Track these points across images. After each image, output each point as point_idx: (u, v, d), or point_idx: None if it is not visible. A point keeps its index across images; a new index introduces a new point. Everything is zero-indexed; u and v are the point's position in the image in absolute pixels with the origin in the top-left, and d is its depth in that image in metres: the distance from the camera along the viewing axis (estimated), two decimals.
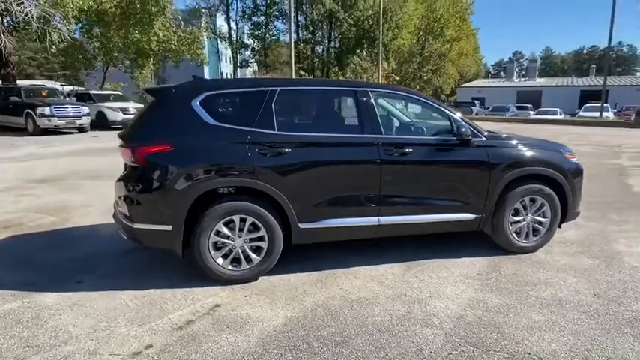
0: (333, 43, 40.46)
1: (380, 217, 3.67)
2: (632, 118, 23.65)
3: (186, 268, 3.68)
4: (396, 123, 4.31)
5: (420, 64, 51.23)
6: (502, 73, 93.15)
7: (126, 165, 3.53)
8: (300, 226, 3.50)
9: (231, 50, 41.78)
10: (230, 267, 3.45)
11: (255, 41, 40.32)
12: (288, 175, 3.41)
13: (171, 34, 21.12)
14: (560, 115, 27.66)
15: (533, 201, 4.03)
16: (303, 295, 3.28)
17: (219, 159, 3.34)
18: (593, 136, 16.70)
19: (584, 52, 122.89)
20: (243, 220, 3.40)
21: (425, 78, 52.66)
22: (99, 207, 5.71)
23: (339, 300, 3.20)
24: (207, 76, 43.26)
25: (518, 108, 32.11)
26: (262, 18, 39.22)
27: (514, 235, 4.04)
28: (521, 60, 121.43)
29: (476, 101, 38.88)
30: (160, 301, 3.19)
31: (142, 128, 3.41)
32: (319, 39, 40.35)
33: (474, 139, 3.79)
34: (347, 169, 3.58)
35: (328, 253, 3.98)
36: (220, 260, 3.41)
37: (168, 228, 3.29)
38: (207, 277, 3.44)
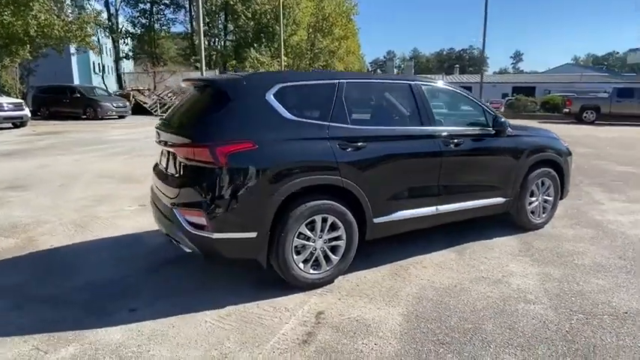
0: (230, 36, 39.18)
1: (438, 207, 3.79)
2: (502, 109, 27.55)
3: (243, 276, 3.37)
4: (441, 115, 4.46)
5: (312, 60, 52.65)
6: (379, 70, 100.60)
7: (184, 166, 3.04)
8: (375, 221, 3.44)
9: (112, 40, 37.69)
10: (311, 271, 3.24)
11: (141, 30, 36.99)
12: (365, 169, 3.32)
13: (54, 17, 18.12)
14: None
15: (542, 183, 4.54)
16: (393, 291, 3.24)
17: (305, 156, 3.10)
18: None
19: (444, 53, 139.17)
20: (324, 220, 3.22)
21: None
22: (58, 222, 4.88)
23: (431, 290, 3.24)
24: (75, 69, 38.37)
25: None
26: (149, 5, 36.13)
27: (530, 214, 4.51)
28: (394, 59, 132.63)
29: None
30: (253, 317, 2.86)
31: (213, 125, 2.98)
32: (216, 31, 38.71)
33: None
34: (414, 161, 3.62)
35: (378, 248, 3.96)
36: (302, 265, 3.19)
37: (253, 235, 2.96)
38: (278, 284, 3.21)
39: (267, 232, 2.99)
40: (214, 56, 38.67)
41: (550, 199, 4.63)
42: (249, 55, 36.33)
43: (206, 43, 39.03)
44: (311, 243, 3.20)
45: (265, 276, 3.35)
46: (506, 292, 3.20)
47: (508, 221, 4.61)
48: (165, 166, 3.38)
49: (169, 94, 26.42)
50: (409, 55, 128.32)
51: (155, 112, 24.80)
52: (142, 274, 3.54)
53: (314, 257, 3.23)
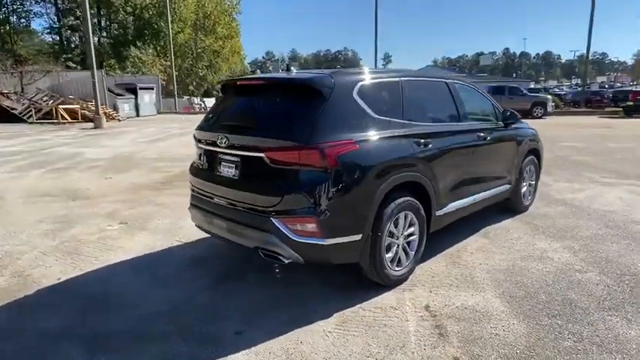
0: (107, 32, 35.39)
1: (475, 196, 4.11)
2: None
3: (319, 283, 3.29)
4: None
5: (195, 60, 50.43)
6: (258, 71, 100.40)
7: (281, 171, 2.81)
8: (436, 214, 3.60)
9: None
10: (396, 268, 3.28)
11: None
12: (433, 165, 3.46)
13: None
14: None
15: (529, 169, 5.20)
16: (468, 278, 3.43)
17: (395, 154, 3.12)
18: None
19: (322, 54, 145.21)
20: (405, 217, 3.28)
21: (201, 74, 52.22)
22: (36, 251, 4.13)
23: (498, 273, 3.51)
24: None
25: None
26: None
27: (522, 197, 5.13)
28: (273, 59, 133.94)
29: None
30: (370, 320, 2.81)
31: (317, 126, 2.80)
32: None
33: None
34: (463, 154, 3.86)
35: None
36: (390, 263, 3.21)
37: (359, 237, 2.90)
38: (360, 286, 3.22)
39: (369, 234, 2.95)
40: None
41: (533, 183, 5.33)
42: (130, 53, 33.45)
43: (77, 39, 34.88)
44: (395, 240, 3.24)
45: (336, 279, 3.34)
46: (556, 265, 3.64)
47: (498, 206, 5.15)
48: (233, 172, 3.09)
49: (45, 98, 22.93)
50: (288, 56, 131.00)
51: (29, 118, 21.31)
52: (207, 294, 3.18)
53: (397, 254, 3.27)
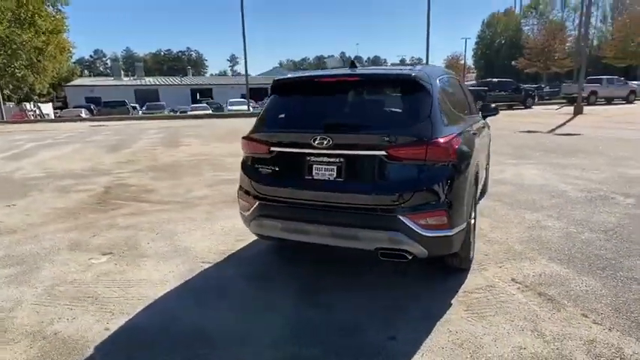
0: None
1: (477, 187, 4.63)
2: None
3: (403, 274, 3.41)
4: None
5: (11, 58, 42.18)
6: (86, 71, 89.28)
7: (404, 167, 2.82)
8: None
9: None
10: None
11: None
12: (478, 153, 3.83)
13: None
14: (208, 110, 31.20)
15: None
16: (513, 251, 3.90)
17: (471, 144, 3.40)
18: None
19: (162, 54, 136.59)
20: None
21: (19, 75, 43.99)
22: (28, 302, 3.29)
23: (534, 243, 4.07)
24: None
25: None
26: None
27: (485, 179, 5.93)
28: (104, 58, 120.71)
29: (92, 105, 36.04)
30: (494, 302, 3.02)
31: (435, 121, 2.86)
32: None
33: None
34: (481, 146, 4.32)
35: None
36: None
37: (464, 225, 3.06)
38: (436, 271, 3.43)
39: (468, 220, 3.14)
40: None
41: (489, 167, 6.19)
42: None
43: None
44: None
45: (412, 275, 3.47)
46: (558, 231, 4.37)
47: None
48: (335, 175, 2.94)
49: None
50: (122, 55, 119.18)
51: None
52: (315, 310, 2.95)
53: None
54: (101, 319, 2.90)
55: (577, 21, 64.16)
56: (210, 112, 29.87)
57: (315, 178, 2.99)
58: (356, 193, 2.89)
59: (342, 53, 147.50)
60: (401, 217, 2.78)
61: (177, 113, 30.48)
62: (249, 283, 3.42)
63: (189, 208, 5.59)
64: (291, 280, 3.42)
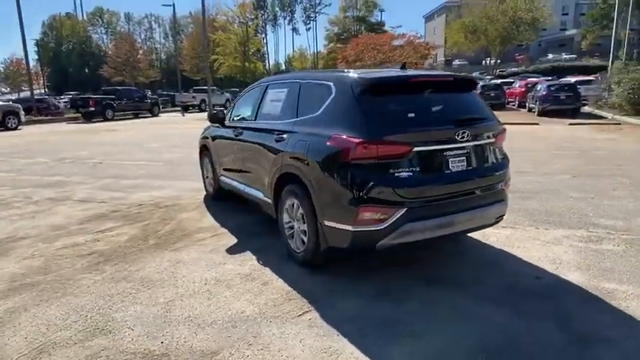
0: None
1: None
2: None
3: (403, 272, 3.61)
4: None
5: None
6: None
7: (495, 150, 3.49)
8: None
9: None
10: None
11: None
12: None
13: None
14: None
15: None
16: (540, 233, 4.46)
17: None
18: None
19: None
20: None
21: None
22: None
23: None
24: None
25: None
26: None
27: None
28: None
29: None
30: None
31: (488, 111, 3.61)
32: None
33: None
34: None
35: None
36: None
37: None
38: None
39: None
40: None
41: None
42: None
43: None
44: None
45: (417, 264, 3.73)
46: (571, 203, 5.31)
47: None
48: (464, 164, 3.24)
49: None
50: None
51: None
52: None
53: None
54: None
55: (143, 35, 69.41)
56: None
57: (453, 170, 3.17)
58: (482, 177, 3.35)
59: None
60: (504, 188, 3.52)
61: None
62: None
63: None
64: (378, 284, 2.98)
